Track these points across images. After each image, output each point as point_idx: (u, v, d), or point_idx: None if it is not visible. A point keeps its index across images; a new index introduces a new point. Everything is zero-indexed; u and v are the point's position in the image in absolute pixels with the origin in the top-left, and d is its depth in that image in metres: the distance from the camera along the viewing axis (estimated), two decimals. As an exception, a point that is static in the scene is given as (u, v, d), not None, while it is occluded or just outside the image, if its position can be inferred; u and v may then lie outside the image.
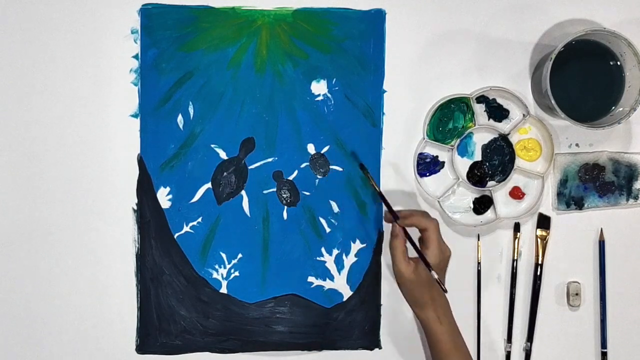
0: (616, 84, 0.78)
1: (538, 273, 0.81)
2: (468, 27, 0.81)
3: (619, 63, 0.78)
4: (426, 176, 0.81)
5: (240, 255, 0.80)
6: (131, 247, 0.80)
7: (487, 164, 0.81)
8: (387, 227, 0.80)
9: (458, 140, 0.80)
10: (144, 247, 0.80)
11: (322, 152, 0.80)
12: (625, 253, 0.83)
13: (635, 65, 0.75)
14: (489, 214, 0.81)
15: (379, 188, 0.79)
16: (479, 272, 0.82)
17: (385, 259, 0.80)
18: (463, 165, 0.81)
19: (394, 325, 0.81)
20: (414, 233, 0.74)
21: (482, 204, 0.81)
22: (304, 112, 0.80)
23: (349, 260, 0.81)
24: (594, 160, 0.82)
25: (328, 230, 0.81)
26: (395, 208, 0.80)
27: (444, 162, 0.81)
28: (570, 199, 0.82)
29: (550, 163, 0.81)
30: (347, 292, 0.81)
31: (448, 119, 0.80)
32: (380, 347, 0.81)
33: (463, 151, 0.81)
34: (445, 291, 0.71)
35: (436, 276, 0.70)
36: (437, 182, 0.81)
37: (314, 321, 0.81)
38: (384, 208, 0.77)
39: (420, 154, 0.81)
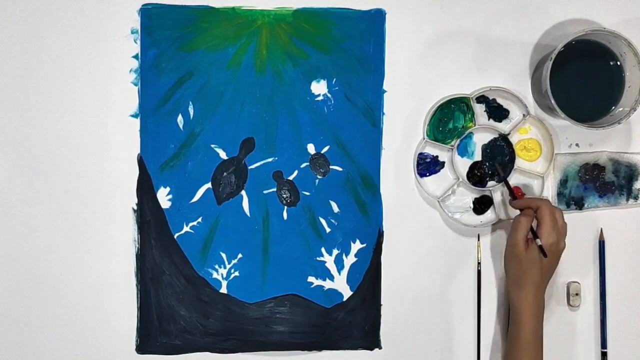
0: (616, 84, 0.78)
1: (538, 273, 0.81)
2: (468, 27, 0.81)
3: (619, 63, 0.78)
4: (426, 176, 0.81)
5: (240, 255, 0.80)
6: (131, 247, 0.80)
7: (487, 164, 0.81)
8: (387, 227, 0.81)
9: (458, 140, 0.80)
10: (144, 247, 0.80)
11: (322, 152, 0.80)
12: (625, 253, 0.83)
13: (635, 65, 0.75)
14: (489, 214, 0.81)
15: (507, 176, 0.80)
16: (479, 272, 0.82)
17: (386, 258, 0.80)
18: (463, 165, 0.81)
19: (394, 325, 0.81)
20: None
21: (482, 204, 0.81)
22: (304, 112, 0.80)
23: (349, 260, 0.81)
24: (594, 160, 0.82)
25: (328, 230, 0.81)
26: (396, 207, 0.81)
27: (444, 162, 0.81)
28: (570, 199, 0.82)
29: (550, 163, 0.81)
30: (347, 292, 0.81)
31: (448, 119, 0.80)
32: (380, 347, 0.81)
33: (463, 151, 0.81)
34: (545, 256, 0.73)
35: (540, 242, 0.72)
36: (437, 182, 0.81)
37: (314, 321, 0.81)
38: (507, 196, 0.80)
39: (420, 154, 0.81)
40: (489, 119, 0.81)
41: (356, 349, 0.81)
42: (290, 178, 0.80)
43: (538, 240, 0.73)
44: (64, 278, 0.79)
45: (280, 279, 0.80)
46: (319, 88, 0.80)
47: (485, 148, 0.81)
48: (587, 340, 0.83)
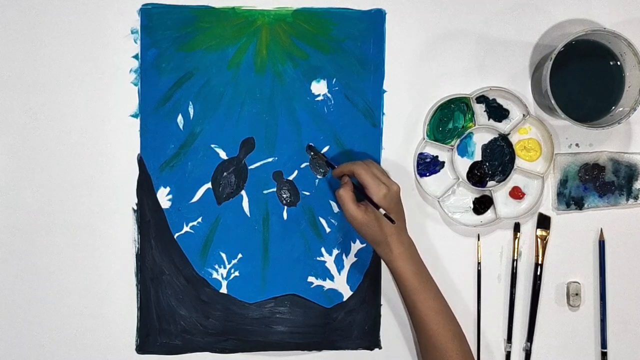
0: (616, 84, 0.78)
1: (538, 273, 0.81)
2: (468, 27, 0.81)
3: (619, 63, 0.78)
4: (426, 176, 0.81)
5: (240, 255, 0.80)
6: (131, 247, 0.80)
7: (487, 164, 0.81)
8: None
9: (458, 140, 0.80)
10: (144, 247, 0.80)
11: (322, 152, 0.80)
12: (625, 253, 0.83)
13: (635, 65, 0.75)
14: (489, 214, 0.81)
15: (325, 157, 0.80)
16: (479, 272, 0.82)
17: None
18: (463, 165, 0.81)
19: (394, 325, 0.81)
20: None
21: (482, 204, 0.81)
22: (304, 112, 0.80)
23: (349, 260, 0.81)
24: (594, 160, 0.82)
25: (328, 230, 0.81)
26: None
27: (444, 162, 0.81)
28: (570, 199, 0.82)
29: (550, 163, 0.81)
30: (347, 292, 0.81)
31: (448, 119, 0.80)
32: (380, 347, 0.81)
33: (463, 151, 0.81)
34: (393, 222, 0.72)
35: (383, 212, 0.71)
36: (437, 182, 0.81)
37: (314, 321, 0.81)
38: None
39: (420, 154, 0.81)
40: (489, 119, 0.81)
41: (356, 349, 0.81)
42: (290, 178, 0.80)
43: (382, 210, 0.72)
44: (64, 278, 0.79)
45: (280, 279, 0.80)
46: (319, 88, 0.80)
47: (485, 148, 0.81)
48: (587, 340, 0.83)
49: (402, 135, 0.81)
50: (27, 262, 0.79)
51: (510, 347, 0.82)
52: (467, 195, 0.82)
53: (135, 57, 0.79)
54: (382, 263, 0.80)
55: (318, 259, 0.81)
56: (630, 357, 0.83)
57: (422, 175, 0.81)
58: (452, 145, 0.80)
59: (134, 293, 0.80)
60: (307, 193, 0.81)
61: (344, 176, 0.76)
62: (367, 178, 0.73)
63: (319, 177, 0.81)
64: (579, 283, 0.82)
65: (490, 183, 0.81)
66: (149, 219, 0.79)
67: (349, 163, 0.76)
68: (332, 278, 0.81)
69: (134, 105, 0.79)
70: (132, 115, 0.79)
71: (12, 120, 0.78)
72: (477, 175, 0.81)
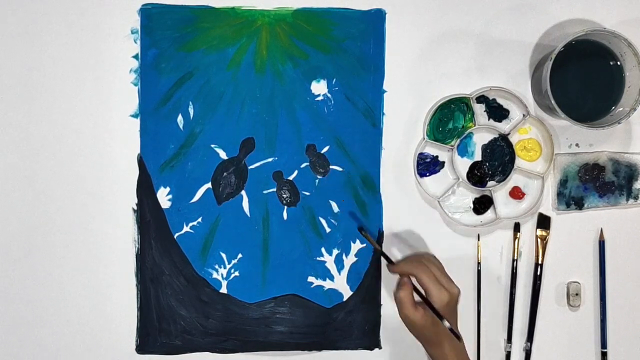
0: (616, 84, 0.78)
1: (538, 273, 0.81)
2: (468, 27, 0.81)
3: (619, 63, 0.78)
4: (426, 176, 0.81)
5: (240, 255, 0.80)
6: (131, 247, 0.80)
7: (487, 164, 0.81)
8: (387, 227, 0.81)
9: (458, 140, 0.80)
10: (144, 247, 0.80)
11: (322, 152, 0.80)
12: (625, 253, 0.83)
13: (635, 65, 0.75)
14: (489, 214, 0.81)
15: (380, 247, 0.80)
16: (479, 272, 0.82)
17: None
18: (463, 165, 0.81)
19: (394, 325, 0.81)
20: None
21: (482, 204, 0.81)
22: (304, 112, 0.80)
23: (349, 260, 0.81)
24: (594, 160, 0.82)
25: (328, 230, 0.81)
26: (396, 207, 0.81)
27: (444, 162, 0.81)
28: (570, 199, 0.82)
29: (550, 163, 0.81)
30: (347, 292, 0.81)
31: (448, 119, 0.80)
32: (380, 347, 0.81)
33: (463, 151, 0.81)
34: (460, 339, 0.69)
35: (448, 325, 0.68)
36: (437, 182, 0.81)
37: (314, 321, 0.81)
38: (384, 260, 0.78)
39: (420, 154, 0.81)
40: (489, 119, 0.81)
41: (356, 349, 0.81)
42: (290, 178, 0.80)
43: (446, 323, 0.68)
44: (63, 278, 0.79)
45: (280, 279, 0.80)
46: (319, 88, 0.80)
47: (485, 148, 0.81)
48: (587, 340, 0.83)
49: (402, 135, 0.81)
50: (27, 262, 0.79)
51: (510, 347, 0.82)
52: (467, 195, 0.82)
53: (135, 57, 0.79)
54: (382, 263, 0.80)
55: (318, 259, 0.81)
56: (630, 357, 0.83)
57: (422, 175, 0.81)
58: (452, 145, 0.80)
59: (134, 293, 0.80)
60: (307, 193, 0.81)
61: (404, 277, 0.72)
62: (428, 282, 0.70)
63: (319, 177, 0.81)
64: (579, 283, 0.82)
65: (490, 183, 0.81)
66: (149, 219, 0.79)
67: (409, 263, 0.73)
68: (332, 278, 0.81)
69: (134, 105, 0.79)
70: (132, 115, 0.79)
71: (12, 120, 0.78)
72: (477, 175, 0.81)
